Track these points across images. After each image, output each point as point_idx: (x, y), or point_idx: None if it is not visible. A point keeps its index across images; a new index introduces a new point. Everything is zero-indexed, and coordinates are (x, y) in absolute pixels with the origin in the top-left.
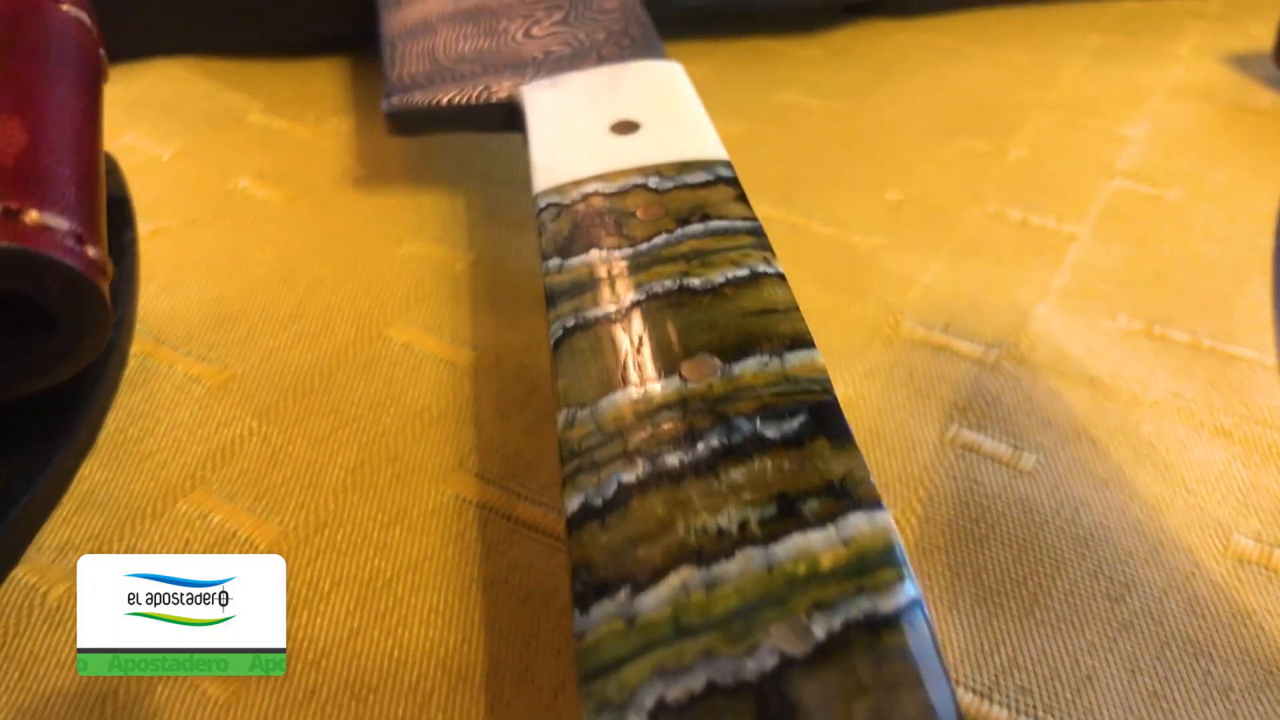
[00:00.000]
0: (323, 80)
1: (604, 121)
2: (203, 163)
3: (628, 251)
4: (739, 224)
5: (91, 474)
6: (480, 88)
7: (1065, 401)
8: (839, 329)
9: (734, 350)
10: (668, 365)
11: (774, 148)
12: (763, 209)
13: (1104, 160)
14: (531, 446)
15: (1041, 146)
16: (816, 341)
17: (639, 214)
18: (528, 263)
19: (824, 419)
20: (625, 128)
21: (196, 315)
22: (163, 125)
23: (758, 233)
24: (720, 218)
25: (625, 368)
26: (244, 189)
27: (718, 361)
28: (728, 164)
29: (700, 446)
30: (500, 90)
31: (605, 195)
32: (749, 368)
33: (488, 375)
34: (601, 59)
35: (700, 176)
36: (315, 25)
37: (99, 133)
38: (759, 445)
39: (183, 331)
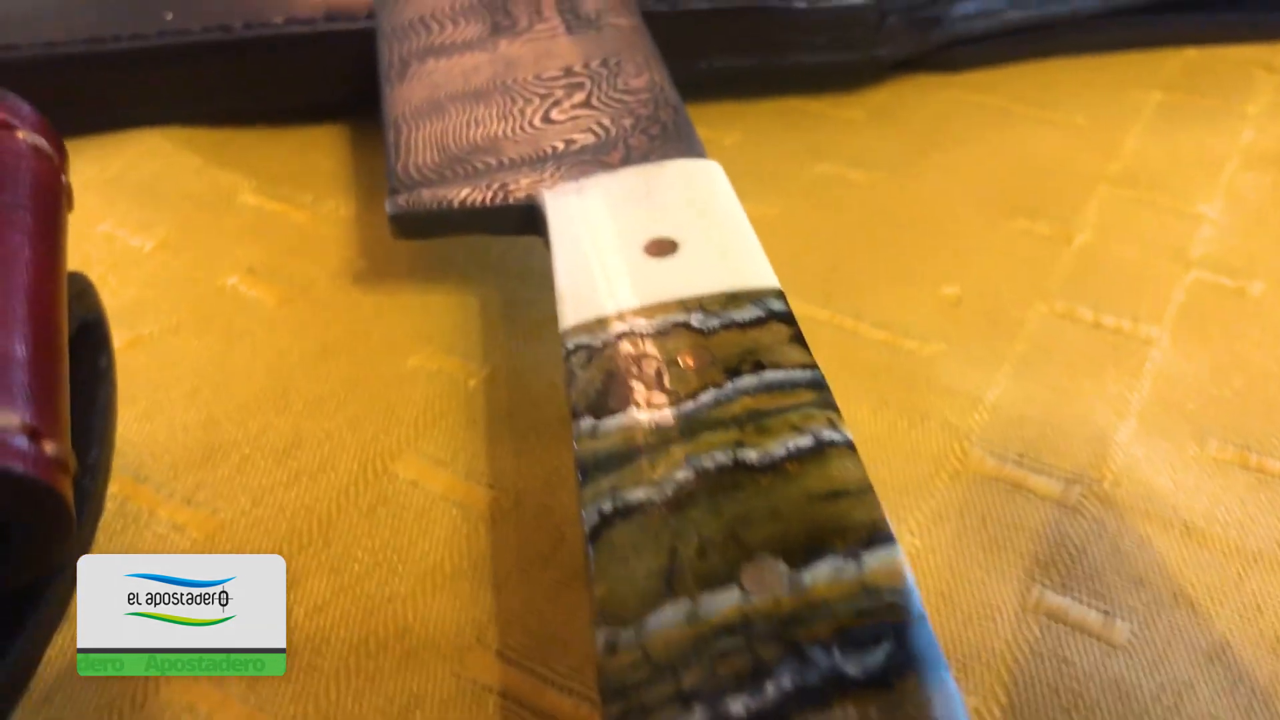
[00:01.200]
0: (320, 152)
1: (637, 239)
2: (188, 255)
3: (672, 412)
4: (797, 375)
5: (67, 649)
6: (496, 186)
7: (1157, 552)
8: (900, 458)
9: (802, 551)
10: (725, 571)
11: (814, 231)
12: (806, 308)
13: (1177, 245)
14: (559, 614)
15: (1108, 229)
16: (875, 474)
17: (682, 361)
18: (548, 377)
19: (915, 648)
20: (662, 247)
21: (181, 445)
22: (144, 210)
23: (819, 384)
24: (776, 366)
25: (674, 573)
26: (234, 287)
27: (783, 567)
28: (779, 293)
29: (769, 688)
30: (519, 190)
31: (643, 336)
32: (820, 576)
33: (507, 521)
34: (629, 151)
35: (750, 312)
36: (310, 94)
37: (59, 288)
38: (839, 687)
39: (166, 466)
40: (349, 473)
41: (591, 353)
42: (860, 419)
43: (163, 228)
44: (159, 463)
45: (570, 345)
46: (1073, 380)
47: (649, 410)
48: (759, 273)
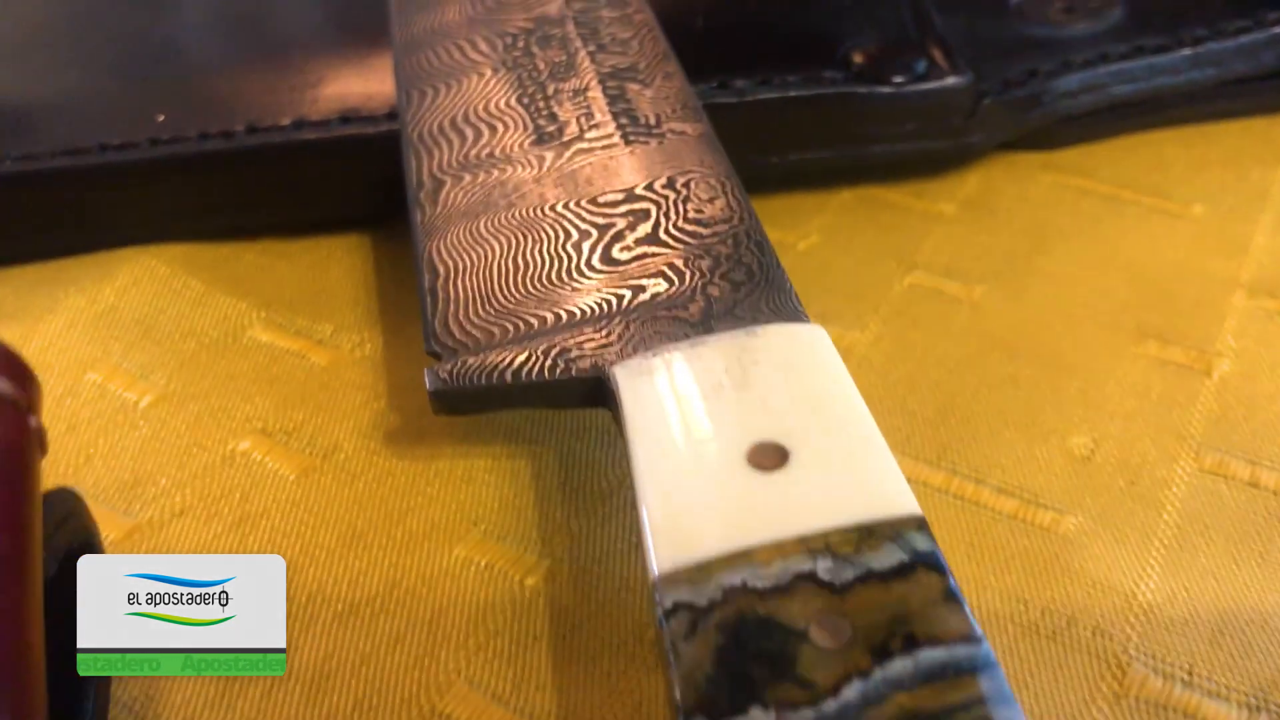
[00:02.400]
0: (339, 269)
1: (738, 445)
2: (191, 411)
3: (809, 716)
4: (961, 654)
5: None
6: (556, 352)
7: None
8: (1046, 676)
9: None
10: None
11: (914, 363)
12: (917, 468)
13: None
14: None
15: (1250, 354)
16: (1020, 698)
17: (813, 634)
18: (618, 572)
19: None
20: (769, 456)
21: (189, 679)
22: (138, 352)
23: (989, 667)
24: (933, 641)
25: None
26: (245, 454)
27: None
28: (920, 523)
29: None
30: (582, 358)
31: (760, 595)
32: None
33: None
34: (710, 304)
35: (890, 555)
36: (324, 207)
37: (26, 589)
38: None
39: (172, 710)
40: (390, 714)
41: (695, 617)
42: (997, 624)
43: (161, 375)
44: (163, 705)
45: (666, 602)
46: (1238, 562)
47: (775, 716)
48: (893, 493)
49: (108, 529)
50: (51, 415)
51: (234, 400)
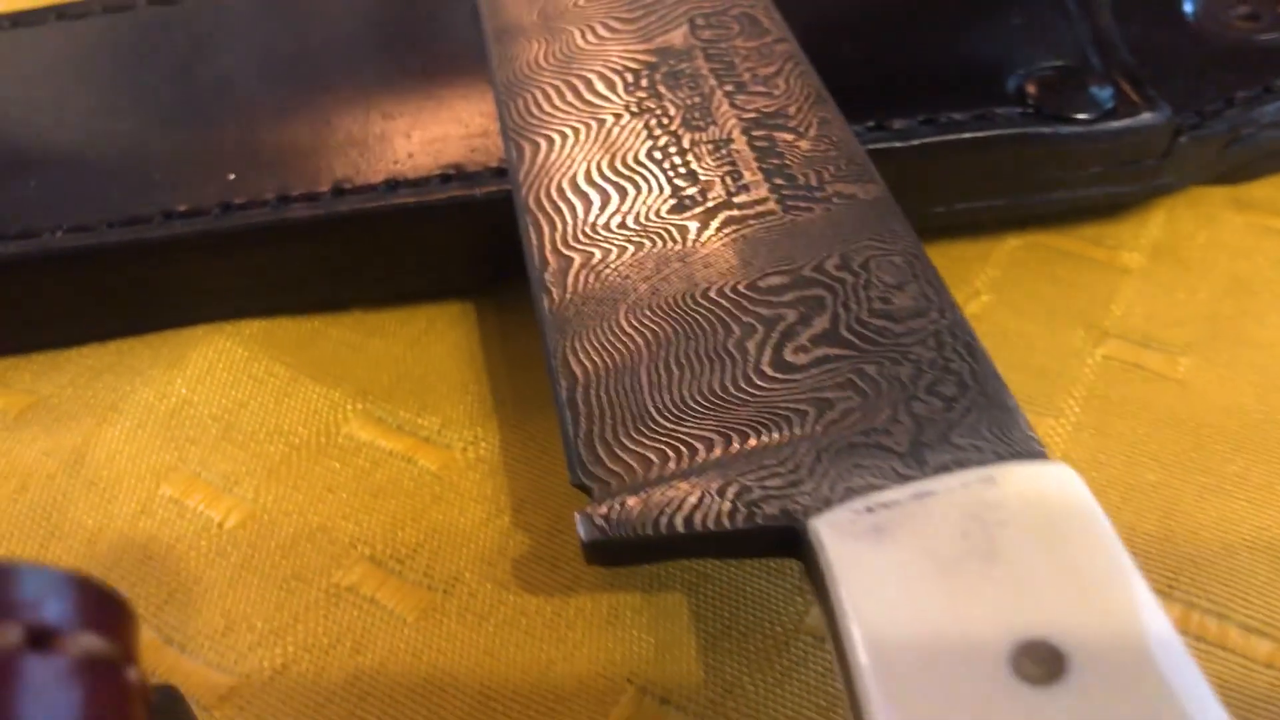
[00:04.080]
0: (442, 347)
1: (996, 643)
2: (285, 533)
3: None
4: None
5: None
6: (734, 492)
7: None
8: None
9: None
10: None
11: (1123, 459)
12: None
13: None
14: None
15: None
16: None
17: None
18: None
19: None
20: (1040, 661)
21: None
22: (219, 458)
23: None
24: None
25: None
26: (353, 588)
27: None
28: None
29: None
30: (767, 499)
31: None
32: None
33: None
34: (919, 427)
35: None
36: (422, 277)
37: None
38: None
39: None
40: None
41: None
42: None
43: (248, 485)
44: None
45: None
46: None
47: None
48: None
49: (199, 691)
50: (123, 540)
51: (334, 518)
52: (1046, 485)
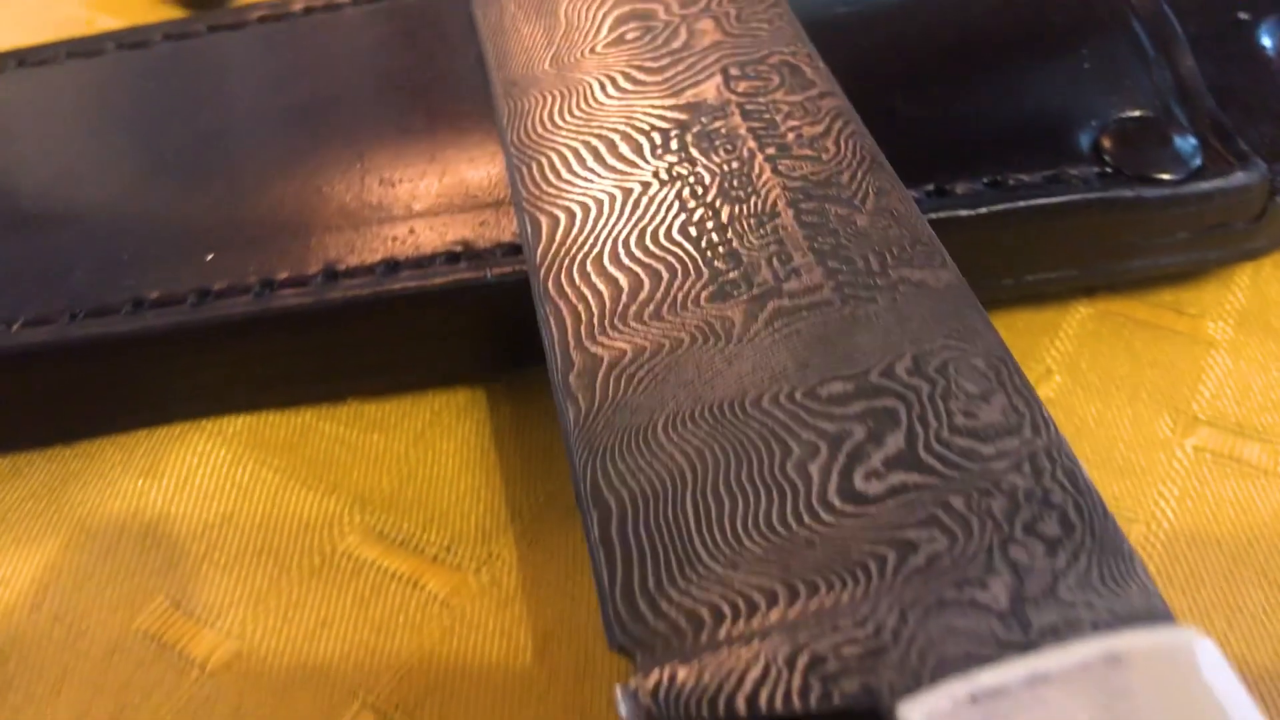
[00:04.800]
0: (449, 444)
1: None
2: (277, 680)
3: None
4: None
5: None
6: (803, 662)
7: None
8: None
9: None
10: None
11: (1223, 577)
12: None
13: None
14: None
15: None
16: None
17: None
18: None
19: None
20: None
21: None
22: (200, 585)
23: None
24: None
25: None
26: None
27: None
28: None
29: None
30: (845, 673)
31: None
32: None
33: None
34: (1020, 581)
35: None
36: (428, 369)
37: None
38: None
39: None
40: None
41: None
42: None
43: (233, 618)
44: None
45: None
46: None
47: None
48: None
49: None
50: (93, 688)
51: (332, 657)
52: (1182, 665)
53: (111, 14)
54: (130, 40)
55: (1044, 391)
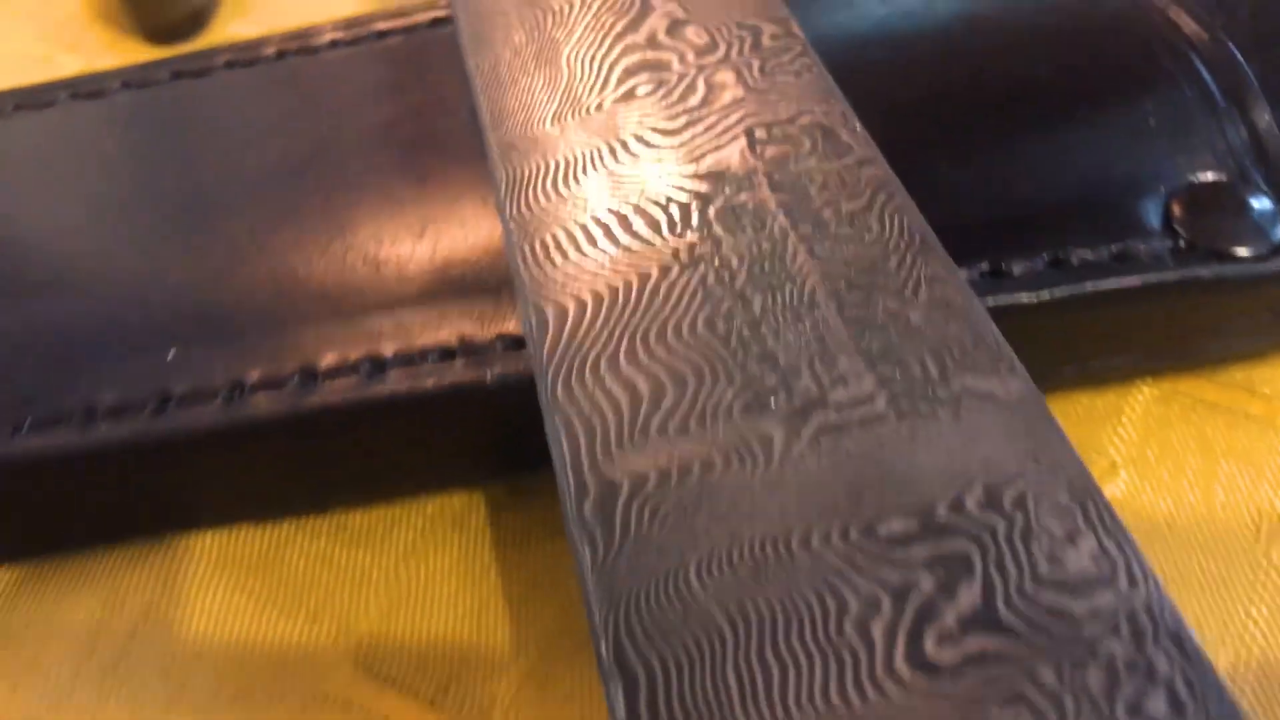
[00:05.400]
0: (444, 560)
1: None
2: None
3: None
4: None
5: None
6: None
7: None
8: None
9: None
10: None
11: None
12: None
13: None
14: None
15: None
16: None
17: None
18: None
19: None
20: None
21: None
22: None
23: None
24: None
25: None
26: None
27: None
28: None
29: None
30: None
31: None
32: None
33: None
34: None
35: None
36: (417, 480)
37: None
38: None
39: None
40: None
41: None
42: None
43: None
44: None
45: None
46: None
47: None
48: None
49: None
50: None
51: None
52: None
53: (69, 50)
54: (85, 89)
55: (1109, 491)
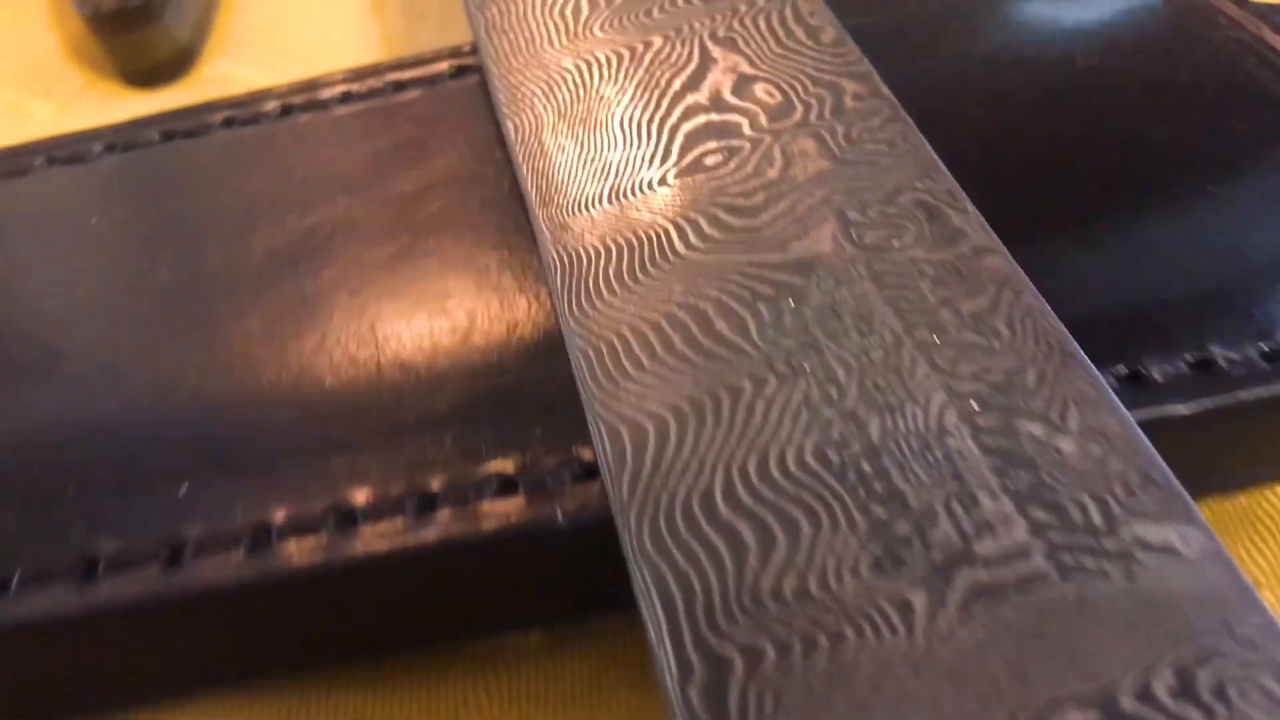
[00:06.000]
0: (508, 715)
1: None
2: None
3: None
4: None
5: None
6: None
7: None
8: None
9: None
10: None
11: None
12: None
13: None
14: None
15: None
16: None
17: None
18: None
19: None
20: None
21: None
22: None
23: None
24: None
25: None
26: None
27: None
28: None
29: None
30: None
31: None
32: None
33: None
34: None
35: None
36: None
37: None
38: None
39: None
40: None
41: None
42: None
43: None
44: None
45: None
46: None
47: None
48: None
49: None
50: None
51: None
52: None
53: (41, 95)
54: (64, 154)
55: None
